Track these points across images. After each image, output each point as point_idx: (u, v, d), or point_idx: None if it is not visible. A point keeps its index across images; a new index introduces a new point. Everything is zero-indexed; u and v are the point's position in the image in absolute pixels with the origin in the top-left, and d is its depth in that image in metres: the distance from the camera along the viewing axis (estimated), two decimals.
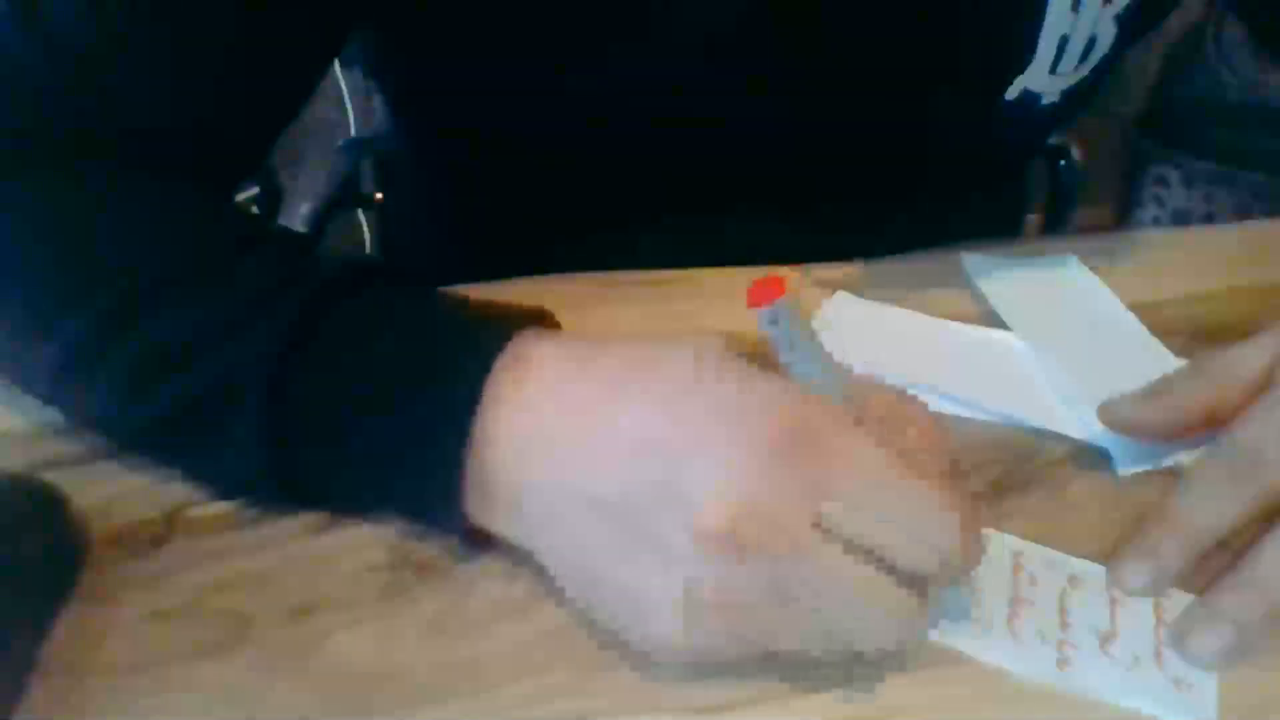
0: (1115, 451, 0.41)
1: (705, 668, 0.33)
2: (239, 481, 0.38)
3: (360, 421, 0.35)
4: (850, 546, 0.31)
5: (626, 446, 0.32)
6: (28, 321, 0.39)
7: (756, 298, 0.32)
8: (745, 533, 0.30)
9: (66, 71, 0.41)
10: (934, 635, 0.34)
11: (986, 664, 0.34)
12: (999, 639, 0.34)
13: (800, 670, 0.33)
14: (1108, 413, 0.41)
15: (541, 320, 0.37)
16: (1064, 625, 0.35)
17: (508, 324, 0.36)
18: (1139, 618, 0.35)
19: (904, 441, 0.32)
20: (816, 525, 0.30)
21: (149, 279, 0.37)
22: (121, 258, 0.39)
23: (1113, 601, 0.36)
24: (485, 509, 0.35)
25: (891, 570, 0.31)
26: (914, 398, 0.34)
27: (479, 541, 0.36)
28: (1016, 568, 0.37)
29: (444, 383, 0.34)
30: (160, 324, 0.37)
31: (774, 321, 0.32)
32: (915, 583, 0.31)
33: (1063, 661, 0.34)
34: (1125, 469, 0.41)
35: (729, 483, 0.30)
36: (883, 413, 0.33)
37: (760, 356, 0.33)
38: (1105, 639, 0.34)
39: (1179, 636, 0.34)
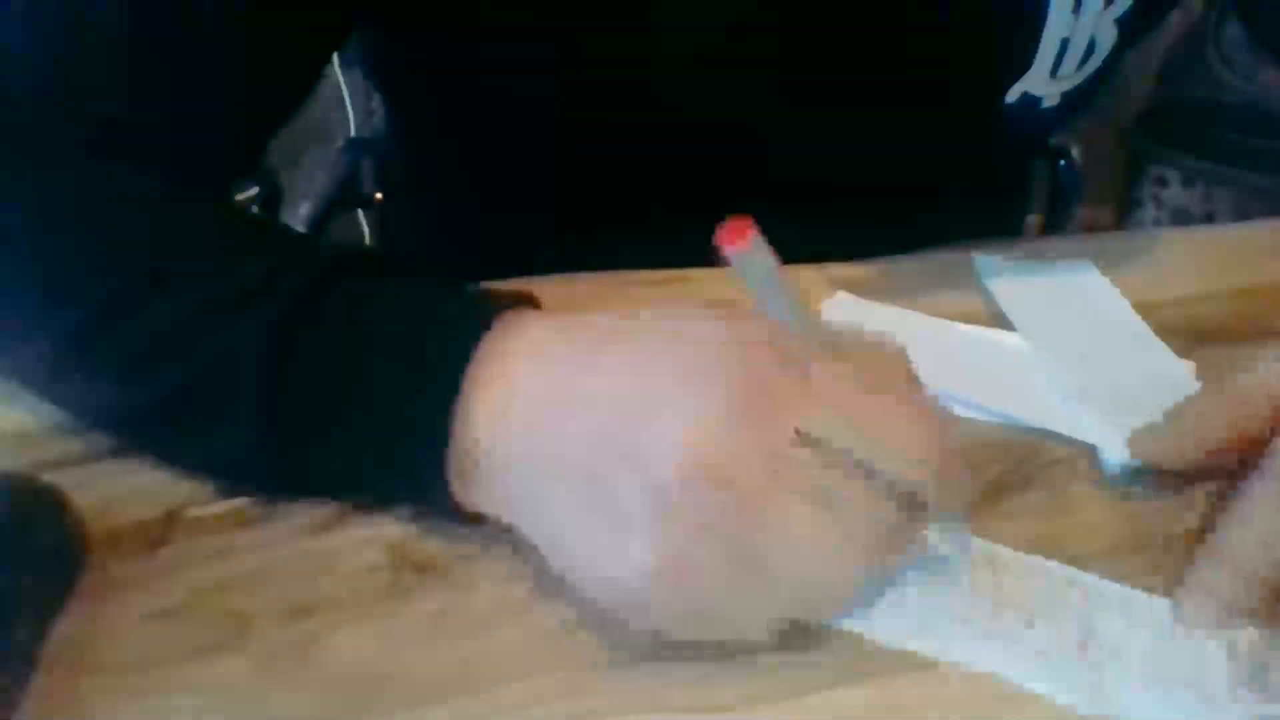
0: (1103, 445, 0.41)
1: (706, 665, 0.33)
2: (232, 466, 0.38)
3: (351, 406, 0.35)
4: (833, 466, 0.31)
5: (594, 412, 0.32)
6: (26, 313, 0.39)
7: (728, 238, 0.31)
8: (707, 489, 0.30)
9: (62, 68, 0.41)
10: (962, 658, 0.34)
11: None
12: (1029, 661, 0.34)
13: (807, 657, 0.33)
14: (1138, 446, 0.39)
15: (528, 305, 0.38)
16: (1110, 651, 0.34)
17: (493, 306, 0.36)
18: (1193, 647, 0.34)
19: (877, 373, 0.33)
20: (778, 474, 0.30)
21: (146, 269, 0.38)
22: (118, 249, 0.39)
23: (1164, 630, 0.35)
24: (470, 487, 0.35)
25: (876, 485, 0.31)
26: (888, 339, 0.34)
27: (475, 523, 0.36)
28: (1071, 595, 0.36)
29: (429, 365, 0.35)
30: (157, 311, 0.37)
31: (744, 262, 0.31)
32: (901, 500, 0.31)
33: (1096, 686, 0.33)
34: (1114, 464, 0.41)
35: (684, 444, 0.30)
36: (856, 349, 0.33)
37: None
38: (1151, 665, 0.34)
39: (1257, 672, 0.33)
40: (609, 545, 0.31)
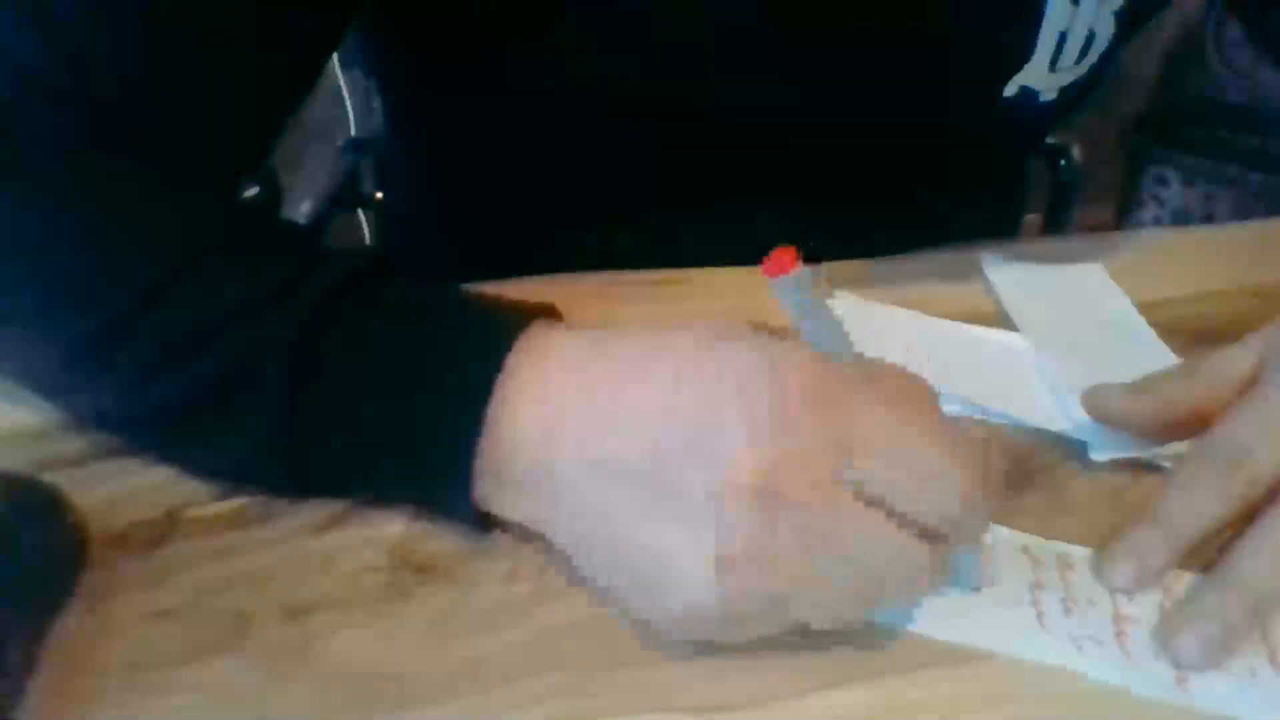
0: (1090, 438, 0.42)
1: (707, 665, 0.33)
2: (247, 465, 0.38)
3: (375, 405, 0.35)
4: (872, 500, 0.31)
5: (651, 413, 0.32)
6: (41, 315, 0.39)
7: (772, 268, 0.32)
8: (776, 484, 0.30)
9: (71, 70, 0.41)
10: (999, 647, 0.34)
11: (994, 662, 0.34)
12: (1110, 657, 0.34)
13: (808, 657, 0.33)
14: (1092, 400, 0.41)
15: (549, 315, 0.38)
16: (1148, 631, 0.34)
17: (522, 314, 0.36)
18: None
19: (913, 406, 0.33)
20: (841, 480, 0.31)
21: (165, 270, 0.37)
22: (135, 252, 0.39)
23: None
24: (501, 493, 0.35)
25: (910, 524, 0.31)
26: (920, 377, 0.34)
27: (485, 529, 0.36)
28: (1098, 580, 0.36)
29: (461, 367, 0.35)
30: (177, 312, 0.37)
31: (789, 291, 0.32)
32: (932, 537, 0.32)
33: (1180, 679, 0.33)
34: (1099, 455, 0.41)
35: (757, 437, 0.31)
36: (891, 383, 0.33)
37: (771, 331, 0.34)
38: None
39: (1165, 638, 0.34)
40: (681, 533, 0.31)
